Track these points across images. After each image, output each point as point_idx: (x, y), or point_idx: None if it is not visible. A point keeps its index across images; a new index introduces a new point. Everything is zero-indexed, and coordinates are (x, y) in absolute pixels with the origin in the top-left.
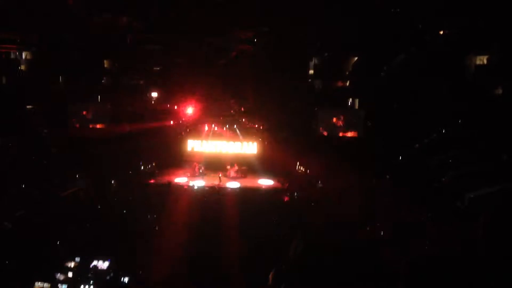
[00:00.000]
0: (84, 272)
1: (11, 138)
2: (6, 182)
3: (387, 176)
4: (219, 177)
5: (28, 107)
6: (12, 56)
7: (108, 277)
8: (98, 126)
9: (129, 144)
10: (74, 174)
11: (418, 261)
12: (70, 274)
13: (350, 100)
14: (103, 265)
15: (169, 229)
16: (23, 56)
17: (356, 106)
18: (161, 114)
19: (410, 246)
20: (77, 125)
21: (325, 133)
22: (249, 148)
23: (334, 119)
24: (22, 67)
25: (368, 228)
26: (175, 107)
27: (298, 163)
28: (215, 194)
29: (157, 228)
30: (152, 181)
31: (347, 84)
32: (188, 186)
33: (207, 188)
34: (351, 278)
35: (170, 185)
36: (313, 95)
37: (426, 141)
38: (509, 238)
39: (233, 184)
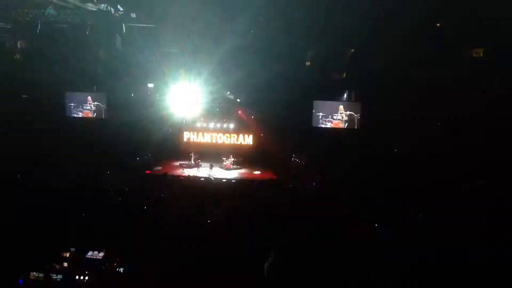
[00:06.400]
0: (79, 262)
1: (6, 128)
2: (1, 172)
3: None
4: (210, 168)
5: (23, 96)
6: (7, 44)
7: (103, 268)
8: (94, 116)
9: (125, 134)
10: (69, 164)
11: (415, 256)
12: (65, 264)
13: (347, 92)
14: (98, 255)
15: (166, 219)
16: (18, 45)
17: (353, 99)
18: (157, 104)
19: (407, 241)
20: (73, 115)
21: (322, 125)
22: (245, 139)
23: (331, 111)
24: (17, 56)
25: (363, 222)
26: (171, 98)
27: (294, 155)
28: (211, 185)
29: (153, 219)
30: (148, 171)
31: (344, 76)
32: (184, 177)
33: (203, 179)
34: (345, 270)
35: (166, 176)
36: (310, 86)
37: (423, 134)
38: (503, 232)
39: (229, 175)
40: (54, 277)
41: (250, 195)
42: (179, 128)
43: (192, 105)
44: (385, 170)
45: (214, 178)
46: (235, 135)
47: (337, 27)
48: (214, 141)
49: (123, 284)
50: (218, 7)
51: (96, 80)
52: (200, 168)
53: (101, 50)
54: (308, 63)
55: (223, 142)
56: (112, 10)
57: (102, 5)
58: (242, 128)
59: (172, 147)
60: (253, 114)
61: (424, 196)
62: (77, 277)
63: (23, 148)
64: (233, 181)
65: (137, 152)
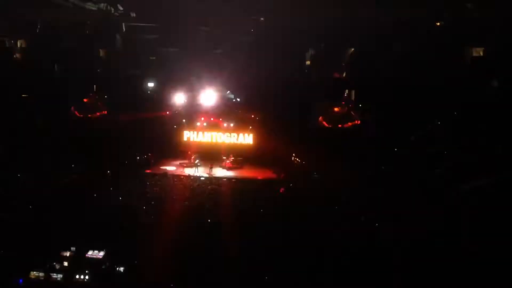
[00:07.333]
0: (79, 261)
1: (6, 127)
2: (2, 171)
3: (382, 167)
4: (210, 168)
5: (23, 95)
6: (7, 44)
7: (103, 267)
8: (93, 115)
9: (125, 134)
10: (69, 163)
11: (413, 251)
12: (65, 264)
13: (347, 91)
14: (98, 255)
15: (166, 219)
16: (18, 44)
17: (353, 98)
18: (157, 103)
19: (405, 237)
20: (72, 114)
21: (322, 124)
22: (245, 138)
23: (331, 110)
24: (17, 55)
25: (363, 219)
26: (171, 97)
27: (294, 154)
28: (211, 184)
29: (153, 218)
30: (148, 171)
31: (344, 75)
32: (184, 176)
33: (203, 179)
34: (346, 269)
35: (166, 175)
36: (310, 85)
37: (422, 132)
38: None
39: (229, 175)
40: (54, 276)
41: (250, 194)
42: (179, 127)
43: (193, 104)
44: (385, 168)
45: (214, 177)
46: (235, 135)
47: (337, 26)
48: (214, 141)
49: (123, 284)
50: (219, 7)
51: (96, 80)
52: (199, 167)
53: (101, 49)
54: (308, 62)
55: (223, 141)
56: (112, 9)
57: (102, 4)
58: (242, 127)
59: (172, 146)
60: (253, 113)
61: (423, 193)
62: (77, 276)
63: (24, 145)
64: (233, 180)
65: (137, 152)
